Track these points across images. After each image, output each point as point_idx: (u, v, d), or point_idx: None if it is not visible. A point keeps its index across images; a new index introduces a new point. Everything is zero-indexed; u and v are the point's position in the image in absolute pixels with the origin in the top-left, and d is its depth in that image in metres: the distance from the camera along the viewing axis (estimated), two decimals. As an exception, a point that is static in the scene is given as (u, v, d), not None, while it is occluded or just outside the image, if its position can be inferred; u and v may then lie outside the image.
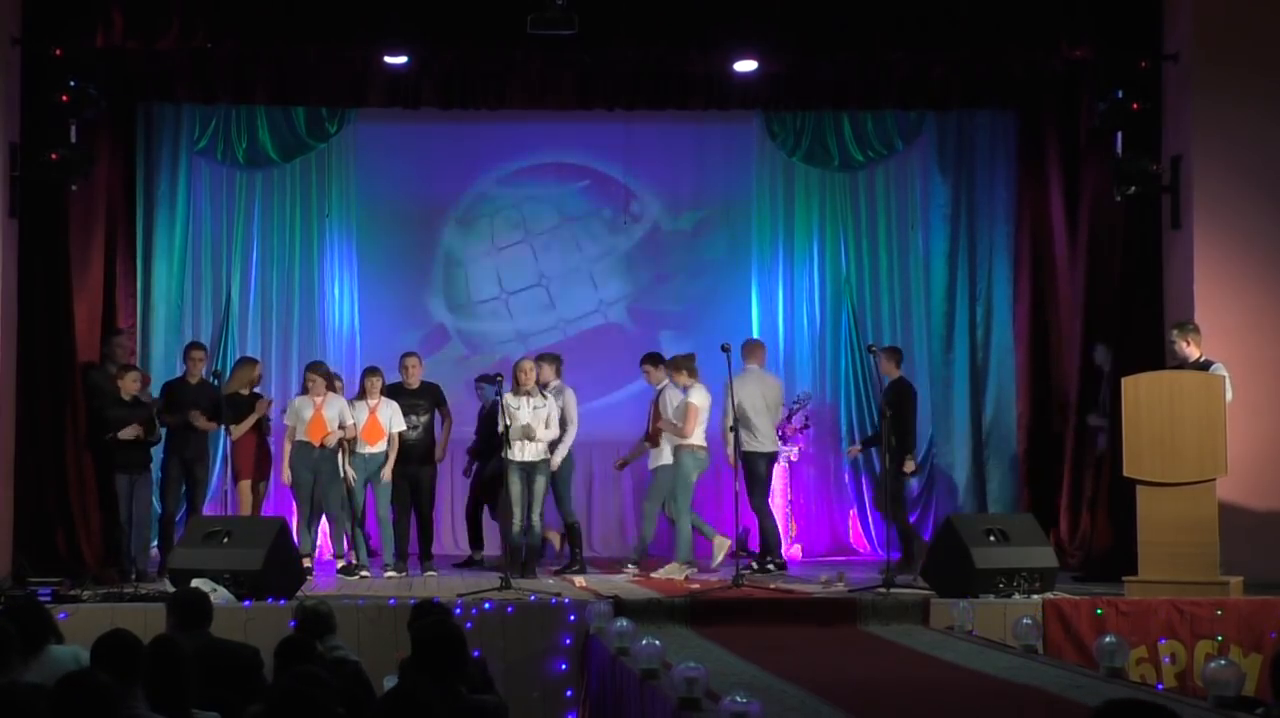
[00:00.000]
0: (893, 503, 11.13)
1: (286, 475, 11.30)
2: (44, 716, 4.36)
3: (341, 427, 11.18)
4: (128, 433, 11.04)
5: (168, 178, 13.19)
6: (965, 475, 13.35)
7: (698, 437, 11.39)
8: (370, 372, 11.55)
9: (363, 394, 11.44)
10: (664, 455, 11.55)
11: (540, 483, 11.19)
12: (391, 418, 11.35)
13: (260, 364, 12.24)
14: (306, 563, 11.12)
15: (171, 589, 9.52)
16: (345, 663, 6.60)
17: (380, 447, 11.34)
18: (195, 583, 9.19)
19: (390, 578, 11.10)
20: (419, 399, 11.66)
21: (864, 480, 13.55)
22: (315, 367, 11.57)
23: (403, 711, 4.58)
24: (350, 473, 11.29)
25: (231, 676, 5.97)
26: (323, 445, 11.17)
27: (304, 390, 11.42)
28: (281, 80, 12.48)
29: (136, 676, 5.10)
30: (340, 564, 11.30)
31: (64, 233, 11.28)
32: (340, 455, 11.30)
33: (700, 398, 11.40)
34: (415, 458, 11.59)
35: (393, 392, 11.58)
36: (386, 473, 11.33)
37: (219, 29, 11.15)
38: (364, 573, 11.13)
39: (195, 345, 12.08)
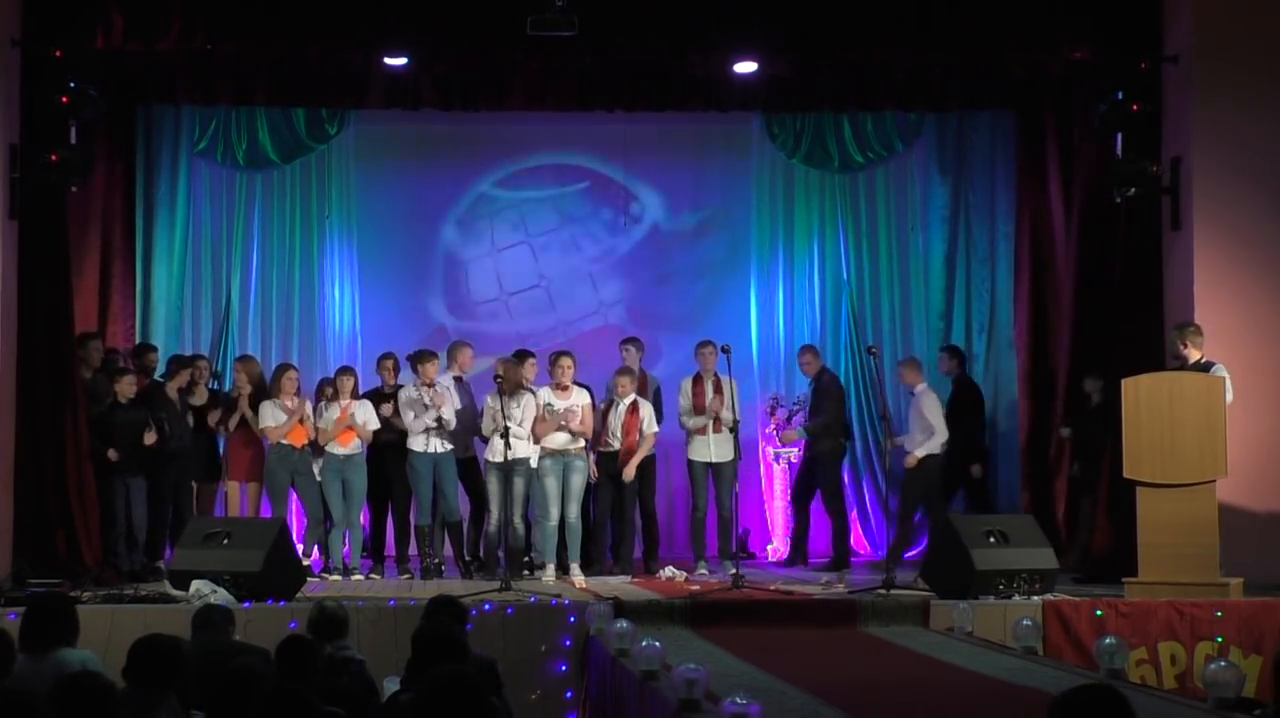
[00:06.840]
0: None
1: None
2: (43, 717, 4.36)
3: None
4: (149, 438, 11.08)
5: (167, 179, 13.20)
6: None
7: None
8: (343, 371, 11.57)
9: (335, 395, 11.41)
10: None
11: (519, 484, 11.07)
12: (366, 420, 11.33)
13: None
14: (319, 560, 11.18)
15: (172, 590, 9.58)
16: (350, 662, 6.60)
17: (352, 447, 11.34)
18: (195, 584, 9.22)
19: (357, 580, 11.05)
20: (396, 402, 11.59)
21: (864, 482, 13.54)
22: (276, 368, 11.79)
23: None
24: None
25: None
26: (304, 448, 11.28)
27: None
28: (281, 81, 12.48)
29: (170, 683, 5.04)
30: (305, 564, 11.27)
31: (63, 234, 11.26)
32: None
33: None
34: (391, 459, 11.52)
35: (376, 395, 11.58)
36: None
37: (219, 30, 11.14)
38: (334, 576, 11.08)
39: (149, 347, 12.24)
